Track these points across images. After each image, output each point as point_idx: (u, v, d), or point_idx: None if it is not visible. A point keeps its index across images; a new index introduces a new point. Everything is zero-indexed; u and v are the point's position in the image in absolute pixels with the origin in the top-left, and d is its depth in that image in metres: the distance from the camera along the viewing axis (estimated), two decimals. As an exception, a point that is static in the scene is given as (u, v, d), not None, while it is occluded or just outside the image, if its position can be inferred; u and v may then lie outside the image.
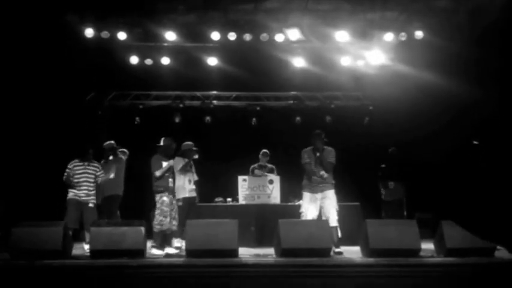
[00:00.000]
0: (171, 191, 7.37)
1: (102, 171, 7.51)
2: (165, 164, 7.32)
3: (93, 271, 5.70)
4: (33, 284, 5.43)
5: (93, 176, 7.39)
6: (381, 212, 9.12)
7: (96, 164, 7.51)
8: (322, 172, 7.06)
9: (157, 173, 7.25)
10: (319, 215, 7.07)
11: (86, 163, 7.38)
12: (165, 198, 7.24)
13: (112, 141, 8.33)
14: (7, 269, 5.70)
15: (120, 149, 8.49)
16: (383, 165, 8.95)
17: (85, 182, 7.30)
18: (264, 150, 9.23)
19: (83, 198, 7.27)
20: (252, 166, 9.13)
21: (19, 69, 9.06)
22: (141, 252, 6.25)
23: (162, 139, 7.56)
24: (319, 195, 7.11)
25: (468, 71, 9.20)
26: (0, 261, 5.99)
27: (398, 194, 8.95)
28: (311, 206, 7.09)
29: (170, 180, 7.38)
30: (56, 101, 9.86)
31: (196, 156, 7.61)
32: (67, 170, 7.30)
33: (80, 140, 9.02)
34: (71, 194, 7.28)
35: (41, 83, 9.44)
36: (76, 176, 7.28)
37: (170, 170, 7.41)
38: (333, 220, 6.97)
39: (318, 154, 7.16)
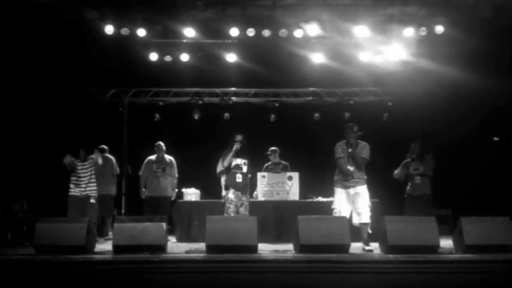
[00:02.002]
0: (239, 188, 7.37)
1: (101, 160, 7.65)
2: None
3: (116, 266, 5.80)
4: (57, 279, 5.53)
5: (91, 171, 7.47)
6: (403, 208, 8.85)
7: (91, 158, 7.55)
8: (351, 168, 6.91)
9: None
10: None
11: (83, 159, 7.47)
12: (229, 195, 7.33)
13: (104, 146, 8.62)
14: (32, 263, 5.83)
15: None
16: (408, 159, 8.49)
17: (84, 177, 7.42)
18: (272, 148, 9.17)
19: (83, 194, 7.39)
20: (266, 165, 9.11)
21: (40, 67, 9.23)
22: (162, 247, 6.34)
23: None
24: (351, 191, 6.95)
25: (489, 66, 9.11)
26: (26, 256, 6.15)
27: (425, 189, 8.35)
28: (345, 202, 6.95)
29: (238, 176, 7.38)
30: (76, 99, 10.04)
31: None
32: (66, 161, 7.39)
33: (100, 136, 9.22)
34: (71, 190, 7.41)
35: (62, 80, 9.61)
36: (76, 173, 7.40)
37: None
38: (366, 217, 6.85)
39: (349, 150, 6.94)
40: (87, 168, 7.48)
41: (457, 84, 9.42)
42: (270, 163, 9.12)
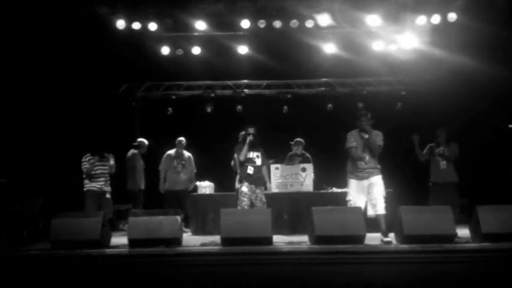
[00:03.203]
0: (252, 181, 7.36)
1: (112, 161, 7.75)
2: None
3: (131, 259, 5.84)
4: (73, 273, 5.59)
5: (106, 167, 7.64)
6: (420, 197, 8.65)
7: (108, 155, 7.72)
8: (367, 156, 6.75)
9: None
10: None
11: (100, 155, 7.63)
12: (243, 188, 7.34)
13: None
14: (48, 258, 5.89)
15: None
16: (432, 144, 8.24)
17: (101, 174, 7.60)
18: (297, 139, 9.19)
19: (99, 188, 7.55)
20: (289, 154, 9.13)
21: (54, 65, 9.29)
22: (177, 240, 6.37)
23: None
24: (365, 182, 6.79)
25: (503, 54, 8.97)
26: (42, 251, 6.21)
27: (451, 176, 8.08)
28: (359, 193, 6.80)
29: (250, 168, 7.38)
30: (89, 95, 10.09)
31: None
32: (84, 163, 7.59)
33: (114, 131, 9.28)
34: (88, 185, 7.57)
35: (75, 77, 9.66)
36: (94, 169, 7.57)
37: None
38: (381, 208, 6.70)
39: (366, 136, 6.77)
40: (105, 165, 7.64)
41: (470, 72, 9.30)
42: (292, 153, 9.11)
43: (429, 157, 8.23)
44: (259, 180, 7.45)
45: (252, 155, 7.40)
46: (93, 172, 7.56)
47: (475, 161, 9.65)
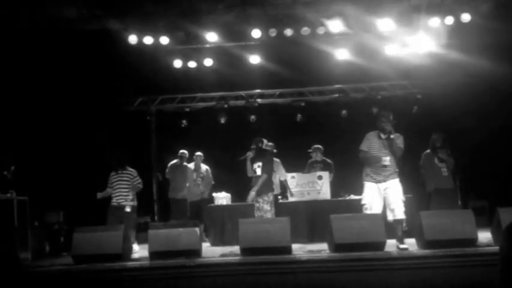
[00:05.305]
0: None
1: (138, 178, 7.77)
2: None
3: (152, 272, 5.87)
4: (96, 287, 5.63)
5: (127, 182, 7.65)
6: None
7: (130, 171, 7.74)
8: (387, 158, 6.44)
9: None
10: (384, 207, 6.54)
11: (119, 171, 7.69)
12: (247, 199, 7.34)
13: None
14: (71, 273, 5.94)
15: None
16: (428, 151, 7.84)
17: (118, 189, 7.62)
18: (314, 146, 9.15)
19: (119, 203, 7.58)
20: (309, 161, 9.12)
21: (68, 80, 9.41)
22: (197, 252, 6.39)
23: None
24: (382, 185, 6.50)
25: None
26: (64, 266, 6.27)
27: (452, 183, 7.81)
28: (375, 197, 6.50)
29: (253, 180, 7.35)
30: (105, 109, 10.19)
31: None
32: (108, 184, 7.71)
33: (131, 146, 9.36)
34: (112, 201, 7.66)
35: (90, 92, 9.77)
36: (112, 185, 7.65)
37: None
38: (400, 213, 6.43)
39: (384, 137, 6.50)
40: (123, 180, 7.66)
41: (488, 74, 9.20)
42: (311, 160, 9.09)
43: (427, 164, 7.77)
44: (261, 189, 7.22)
45: (255, 166, 7.36)
46: (112, 188, 7.62)
47: (494, 163, 9.55)
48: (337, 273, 5.65)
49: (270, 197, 7.22)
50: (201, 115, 11.27)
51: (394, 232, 6.55)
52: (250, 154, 7.34)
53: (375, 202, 6.53)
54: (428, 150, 7.78)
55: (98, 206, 7.70)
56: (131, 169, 7.76)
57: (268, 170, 7.34)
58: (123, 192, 7.61)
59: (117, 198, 7.59)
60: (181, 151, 9.58)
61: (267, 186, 7.29)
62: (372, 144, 6.62)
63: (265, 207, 7.16)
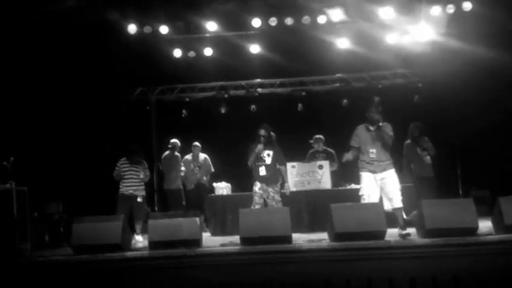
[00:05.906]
0: (262, 180, 7.28)
1: (148, 169, 7.98)
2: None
3: (152, 262, 5.85)
4: (96, 277, 5.62)
5: (138, 173, 7.80)
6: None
7: (143, 162, 7.93)
8: (373, 150, 6.57)
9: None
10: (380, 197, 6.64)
11: (131, 162, 7.83)
12: (255, 188, 7.30)
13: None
14: (71, 264, 5.93)
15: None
16: (408, 141, 8.22)
17: (131, 178, 7.77)
18: (316, 136, 9.12)
19: (131, 192, 7.72)
20: (309, 151, 9.09)
21: (67, 70, 9.36)
22: (197, 241, 6.36)
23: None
24: (378, 176, 6.61)
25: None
26: (64, 256, 6.26)
27: (432, 171, 8.15)
28: (372, 187, 6.61)
29: (261, 168, 7.29)
30: (105, 99, 10.15)
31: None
32: (116, 168, 7.85)
33: (130, 136, 9.34)
34: (120, 189, 7.78)
35: (89, 83, 9.73)
36: (123, 173, 7.78)
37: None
38: (397, 201, 6.55)
39: (372, 129, 6.62)
40: (137, 170, 7.81)
41: (488, 62, 9.15)
42: (313, 150, 9.06)
43: (409, 153, 8.10)
44: (270, 178, 7.30)
45: (263, 153, 7.31)
46: (123, 176, 7.75)
47: (495, 151, 9.51)
48: (337, 262, 5.64)
49: (278, 186, 7.39)
50: (201, 105, 11.23)
51: (395, 220, 6.63)
52: (261, 145, 7.22)
53: (373, 192, 6.65)
54: (408, 141, 8.11)
55: (97, 196, 7.71)
56: (142, 162, 7.94)
57: (283, 160, 7.46)
58: (136, 182, 7.79)
59: (129, 187, 7.73)
60: (172, 140, 9.57)
61: (276, 176, 7.40)
62: (361, 138, 6.76)
63: (276, 197, 7.25)
